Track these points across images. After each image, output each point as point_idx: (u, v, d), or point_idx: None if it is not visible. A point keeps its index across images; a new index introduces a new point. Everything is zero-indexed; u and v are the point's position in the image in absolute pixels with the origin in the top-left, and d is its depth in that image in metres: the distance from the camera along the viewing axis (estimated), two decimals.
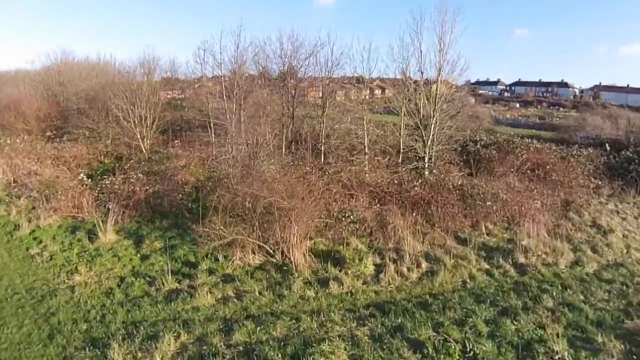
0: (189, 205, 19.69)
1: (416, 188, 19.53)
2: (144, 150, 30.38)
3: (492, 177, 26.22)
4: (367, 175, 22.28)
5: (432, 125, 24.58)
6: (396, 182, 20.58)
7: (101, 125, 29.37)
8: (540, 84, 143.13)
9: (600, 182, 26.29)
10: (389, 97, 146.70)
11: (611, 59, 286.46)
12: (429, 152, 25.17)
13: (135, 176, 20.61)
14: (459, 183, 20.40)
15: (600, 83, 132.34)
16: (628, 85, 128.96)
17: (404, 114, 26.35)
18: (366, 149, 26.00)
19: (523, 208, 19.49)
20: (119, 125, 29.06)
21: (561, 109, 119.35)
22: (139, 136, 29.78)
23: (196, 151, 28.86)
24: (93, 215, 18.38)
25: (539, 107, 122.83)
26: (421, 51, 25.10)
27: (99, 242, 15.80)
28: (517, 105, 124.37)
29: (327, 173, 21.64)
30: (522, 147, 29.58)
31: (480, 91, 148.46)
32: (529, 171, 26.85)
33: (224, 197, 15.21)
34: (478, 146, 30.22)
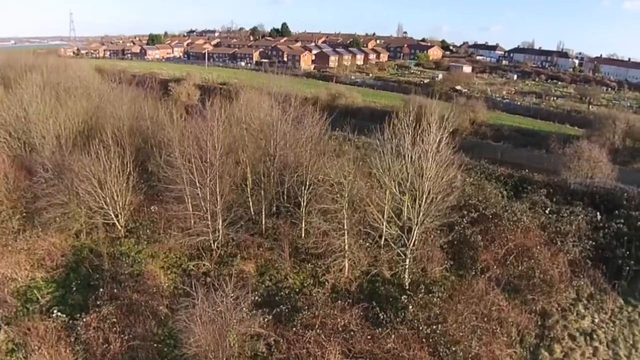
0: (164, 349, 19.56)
1: (389, 344, 19.10)
2: (120, 227, 29.65)
3: (474, 270, 26.03)
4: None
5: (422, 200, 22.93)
6: (369, 335, 19.94)
7: (72, 205, 28.26)
8: (539, 52, 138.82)
9: (581, 282, 25.93)
10: (383, 63, 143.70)
11: (614, 14, 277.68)
12: (413, 237, 24.31)
13: (107, 319, 20.32)
14: (432, 329, 19.91)
15: (601, 55, 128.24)
16: (629, 60, 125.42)
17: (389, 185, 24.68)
18: (346, 245, 25.05)
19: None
20: (91, 207, 28.05)
21: (559, 82, 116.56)
22: (112, 214, 28.90)
23: (172, 233, 28.08)
24: None
25: (537, 79, 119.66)
26: None
27: None
28: (515, 77, 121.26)
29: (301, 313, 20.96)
30: (510, 225, 28.67)
31: (477, 57, 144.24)
32: (512, 265, 26.44)
33: None
34: (464, 222, 29.28)
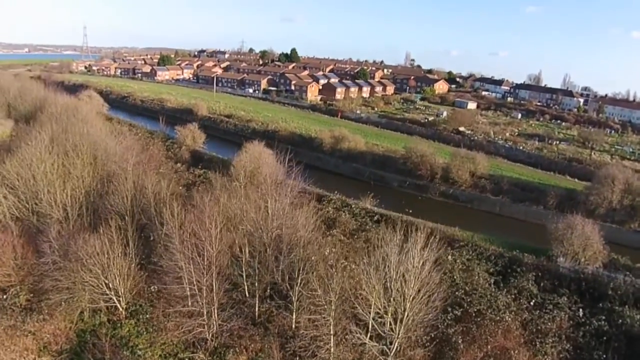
0: None
1: None
2: (121, 309, 31.12)
3: None
4: None
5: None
6: None
7: (77, 289, 29.79)
8: (545, 89, 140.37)
9: None
10: (389, 96, 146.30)
11: (623, 43, 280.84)
12: (393, 347, 25.47)
13: None
14: None
15: (606, 95, 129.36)
16: (634, 100, 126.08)
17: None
18: (332, 348, 26.21)
19: None
20: (94, 286, 29.57)
21: (563, 123, 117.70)
22: (114, 298, 30.40)
23: (170, 319, 29.49)
24: None
25: (541, 119, 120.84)
26: None
27: None
28: (519, 116, 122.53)
29: None
30: (491, 325, 29.67)
31: (483, 92, 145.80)
32: None
33: None
34: (448, 319, 30.38)
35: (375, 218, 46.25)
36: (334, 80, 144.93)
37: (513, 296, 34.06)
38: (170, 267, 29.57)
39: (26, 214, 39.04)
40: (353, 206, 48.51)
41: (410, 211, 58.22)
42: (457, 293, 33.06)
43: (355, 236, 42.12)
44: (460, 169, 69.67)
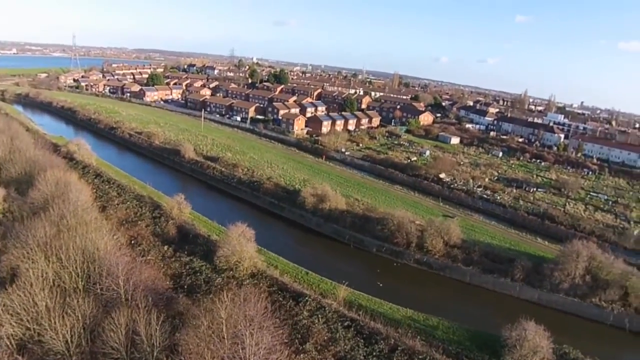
0: None
1: None
2: None
3: None
4: None
5: None
6: None
7: None
8: (527, 123, 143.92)
9: None
10: (374, 130, 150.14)
11: (610, 54, 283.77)
12: None
13: None
14: None
15: (586, 132, 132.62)
16: (614, 140, 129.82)
17: None
18: None
19: None
20: None
21: (542, 163, 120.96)
22: None
23: None
24: None
25: (522, 157, 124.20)
26: None
27: None
28: (500, 154, 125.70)
29: None
30: None
31: (467, 125, 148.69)
32: None
33: None
34: None
35: (346, 324, 49.17)
36: (321, 110, 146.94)
37: None
38: None
39: (31, 343, 40.67)
40: (326, 309, 51.09)
41: (381, 285, 61.93)
42: None
43: (326, 349, 44.94)
44: (434, 238, 72.37)
